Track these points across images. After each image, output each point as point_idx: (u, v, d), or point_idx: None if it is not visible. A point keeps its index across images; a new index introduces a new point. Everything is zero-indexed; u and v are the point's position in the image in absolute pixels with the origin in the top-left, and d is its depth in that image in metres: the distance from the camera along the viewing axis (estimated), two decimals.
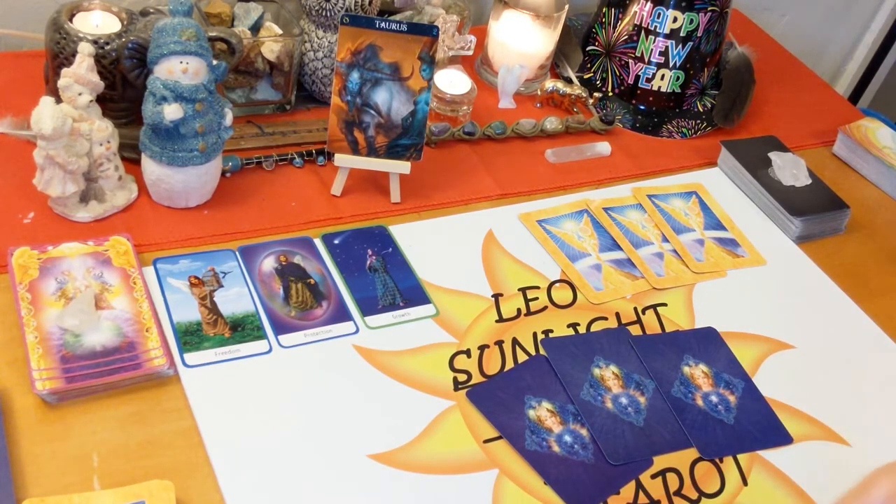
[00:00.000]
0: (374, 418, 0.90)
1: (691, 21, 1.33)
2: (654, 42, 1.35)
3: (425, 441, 0.89)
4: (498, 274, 1.08)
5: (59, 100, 0.96)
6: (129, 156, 1.06)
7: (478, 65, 1.41)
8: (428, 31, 1.06)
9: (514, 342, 1.01)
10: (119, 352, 0.87)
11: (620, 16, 1.37)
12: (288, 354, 0.93)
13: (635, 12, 1.35)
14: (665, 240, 1.18)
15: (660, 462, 0.92)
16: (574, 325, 1.04)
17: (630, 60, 1.37)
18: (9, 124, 1.09)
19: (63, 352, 0.86)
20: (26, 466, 0.79)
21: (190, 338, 0.92)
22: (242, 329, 0.94)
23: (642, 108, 1.39)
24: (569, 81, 1.40)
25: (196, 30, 0.96)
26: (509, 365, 0.98)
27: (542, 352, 1.00)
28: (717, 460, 0.94)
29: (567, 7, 1.36)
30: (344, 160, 1.10)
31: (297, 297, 0.99)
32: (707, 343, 1.05)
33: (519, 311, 1.04)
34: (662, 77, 1.37)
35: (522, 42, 1.34)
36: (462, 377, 0.96)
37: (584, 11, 1.57)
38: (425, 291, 1.03)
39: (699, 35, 1.35)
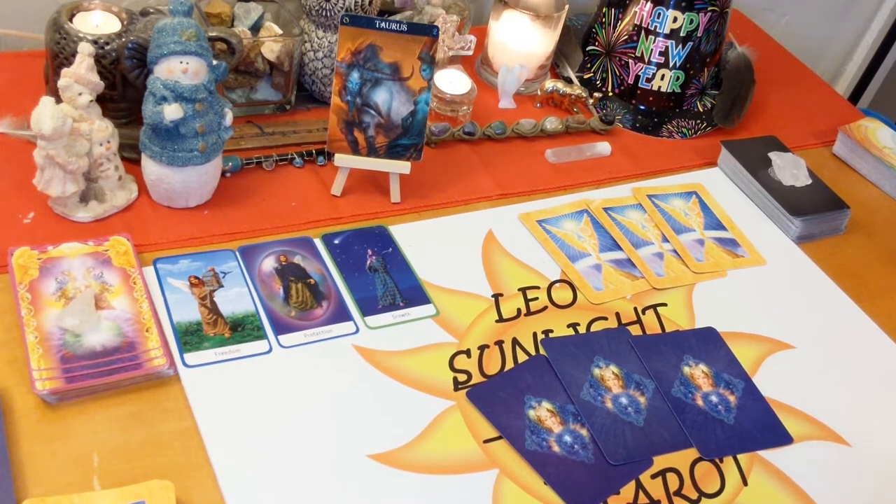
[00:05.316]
0: (374, 418, 0.90)
1: (691, 21, 1.33)
2: (654, 42, 1.35)
3: (425, 441, 0.89)
4: (498, 274, 1.08)
5: (59, 100, 0.96)
6: (129, 156, 1.06)
7: (478, 65, 1.41)
8: (428, 31, 1.06)
9: (514, 342, 1.01)
10: (119, 352, 0.87)
11: (620, 16, 1.37)
12: (288, 354, 0.93)
13: (635, 12, 1.35)
14: (665, 240, 1.18)
15: (660, 462, 0.92)
16: (574, 325, 1.04)
17: (630, 60, 1.37)
18: (9, 124, 1.09)
19: (63, 352, 0.86)
20: (26, 466, 0.79)
21: (190, 338, 0.92)
22: (242, 329, 0.94)
23: (642, 108, 1.39)
24: (569, 81, 1.40)
25: (196, 30, 0.96)
26: (509, 365, 0.98)
27: (542, 352, 1.00)
28: (717, 460, 0.94)
29: (567, 7, 1.36)
30: (344, 160, 1.10)
31: (297, 297, 0.99)
32: (707, 343, 1.05)
33: (519, 311, 1.04)
34: (662, 77, 1.37)
35: (522, 42, 1.34)
36: (462, 377, 0.96)
37: (584, 11, 1.58)
38: (425, 291, 1.03)
39: (699, 35, 1.35)
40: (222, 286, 0.98)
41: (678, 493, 0.90)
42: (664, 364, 1.01)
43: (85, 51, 0.97)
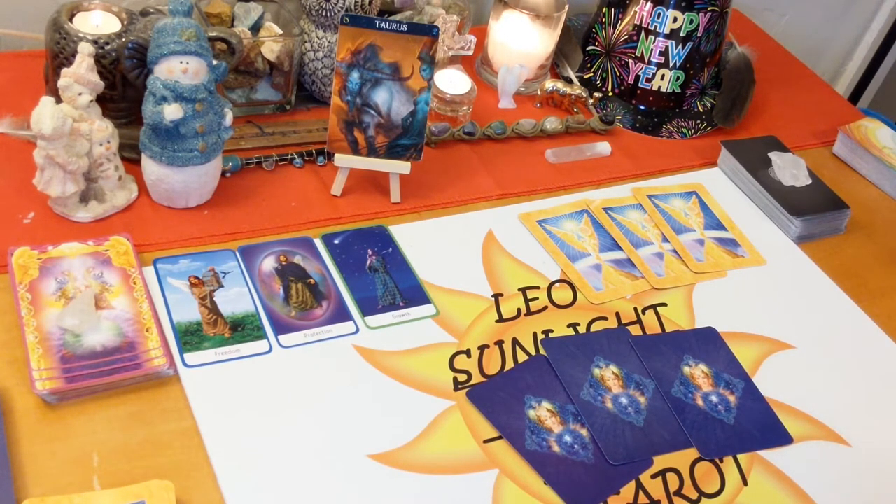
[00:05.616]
0: (374, 418, 0.90)
1: (691, 21, 1.33)
2: (654, 42, 1.35)
3: (425, 441, 0.89)
4: (498, 274, 1.08)
5: (59, 100, 0.96)
6: (129, 156, 1.06)
7: (478, 65, 1.41)
8: (428, 31, 1.06)
9: (514, 342, 1.01)
10: (119, 352, 0.87)
11: (620, 16, 1.37)
12: (288, 354, 0.93)
13: (635, 12, 1.35)
14: (665, 240, 1.18)
15: (660, 462, 0.92)
16: (574, 325, 1.04)
17: (630, 60, 1.37)
18: (9, 124, 1.09)
19: (63, 352, 0.86)
20: (26, 466, 0.79)
21: (190, 338, 0.92)
22: (242, 329, 0.94)
23: (642, 108, 1.39)
24: (569, 81, 1.40)
25: (196, 30, 0.96)
26: (509, 365, 0.98)
27: (542, 352, 1.00)
28: (717, 460, 0.94)
29: (567, 7, 1.36)
30: (344, 160, 1.10)
31: (297, 297, 0.99)
32: (707, 343, 1.05)
33: (519, 311, 1.04)
34: (662, 77, 1.37)
35: (522, 42, 1.34)
36: (462, 377, 0.96)
37: (584, 11, 1.57)
38: (425, 291, 1.03)
39: (699, 35, 1.35)
40: (222, 286, 0.98)
41: (678, 493, 0.90)
42: (664, 364, 1.01)
43: (85, 51, 0.97)
